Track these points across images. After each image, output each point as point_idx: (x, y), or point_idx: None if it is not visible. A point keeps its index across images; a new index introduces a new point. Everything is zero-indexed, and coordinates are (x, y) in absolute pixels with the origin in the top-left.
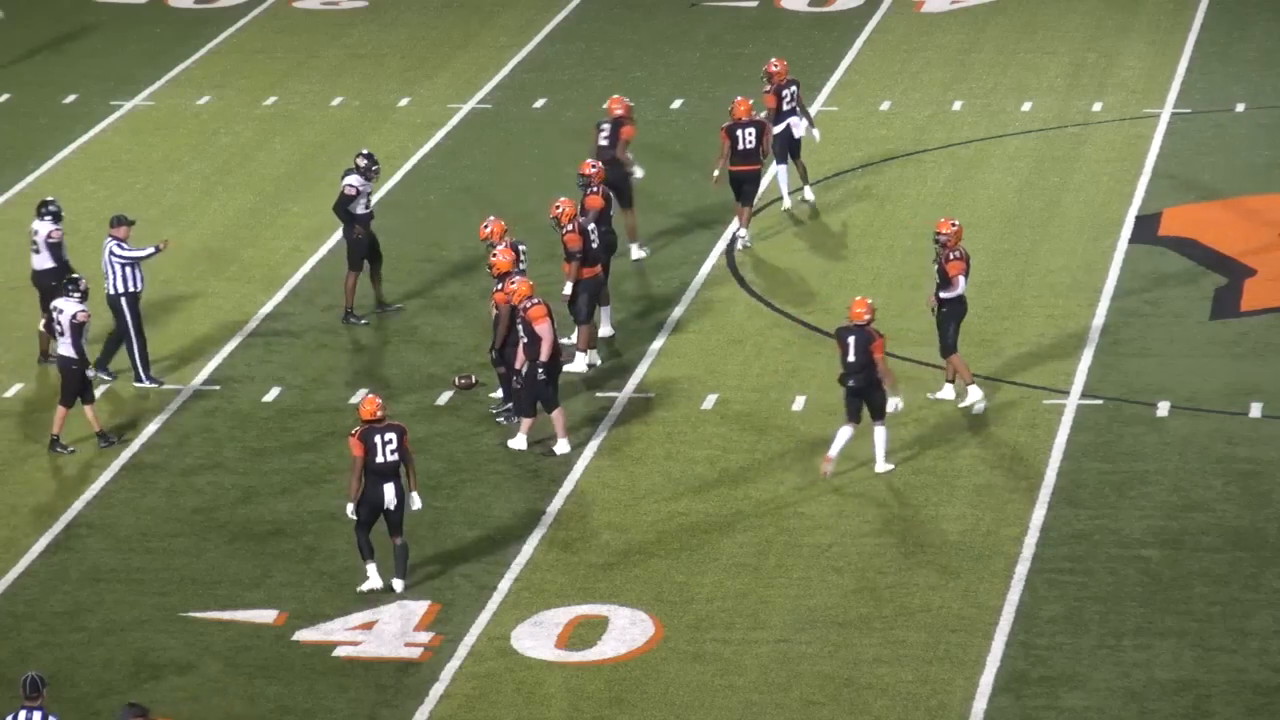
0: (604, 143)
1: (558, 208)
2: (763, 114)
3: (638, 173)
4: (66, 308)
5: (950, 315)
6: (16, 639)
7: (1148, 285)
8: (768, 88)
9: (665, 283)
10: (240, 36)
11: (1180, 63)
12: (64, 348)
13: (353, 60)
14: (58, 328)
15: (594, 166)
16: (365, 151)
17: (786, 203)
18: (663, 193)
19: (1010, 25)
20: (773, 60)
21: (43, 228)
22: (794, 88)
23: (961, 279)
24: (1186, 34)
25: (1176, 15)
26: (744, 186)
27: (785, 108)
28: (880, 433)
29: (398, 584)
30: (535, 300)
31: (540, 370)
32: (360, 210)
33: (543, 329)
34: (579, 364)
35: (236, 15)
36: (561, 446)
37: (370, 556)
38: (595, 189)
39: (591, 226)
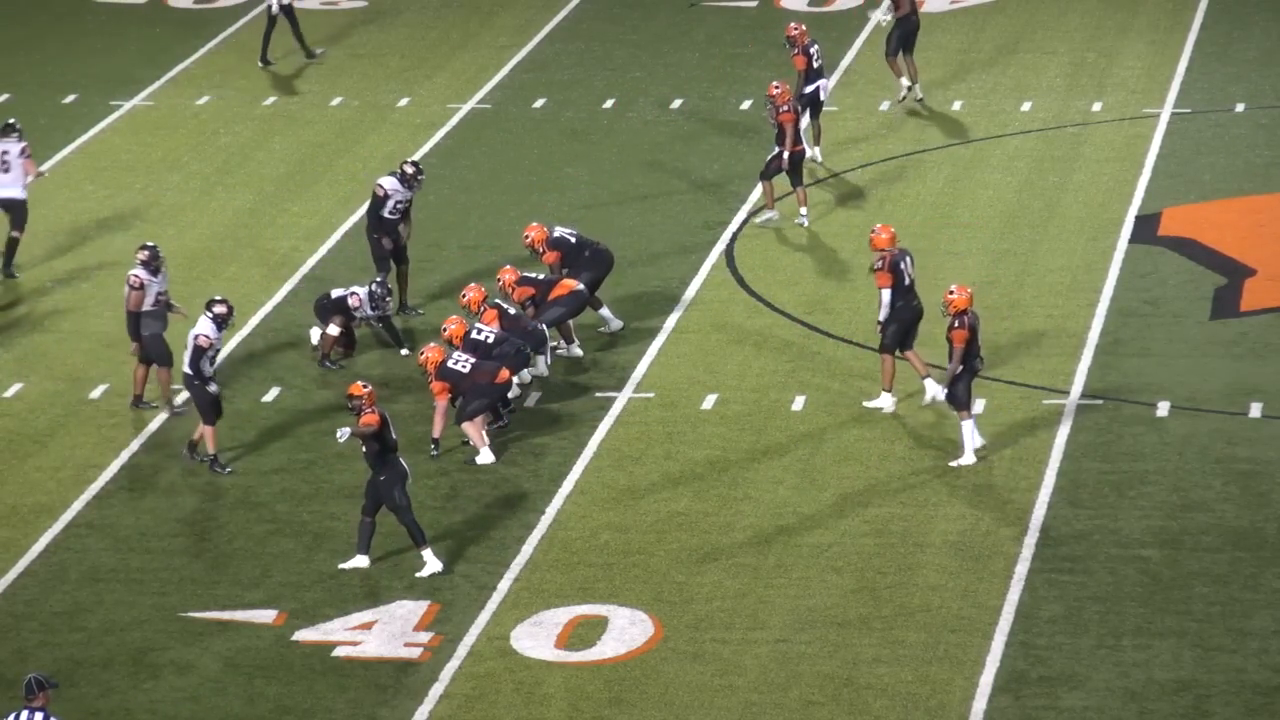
0: None
1: (526, 236)
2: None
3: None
4: (200, 326)
5: (891, 317)
6: (16, 639)
7: (1147, 285)
8: (795, 50)
9: (665, 283)
10: (240, 36)
11: (1180, 63)
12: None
13: (352, 60)
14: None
15: (527, 237)
16: (413, 160)
17: (815, 154)
18: (662, 193)
19: (1010, 25)
20: (791, 24)
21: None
22: (816, 46)
23: (885, 292)
24: (1186, 34)
25: (1176, 15)
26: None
27: (815, 65)
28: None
29: (364, 560)
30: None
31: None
32: (387, 214)
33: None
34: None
35: (236, 15)
36: (484, 456)
37: (424, 542)
38: (542, 251)
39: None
